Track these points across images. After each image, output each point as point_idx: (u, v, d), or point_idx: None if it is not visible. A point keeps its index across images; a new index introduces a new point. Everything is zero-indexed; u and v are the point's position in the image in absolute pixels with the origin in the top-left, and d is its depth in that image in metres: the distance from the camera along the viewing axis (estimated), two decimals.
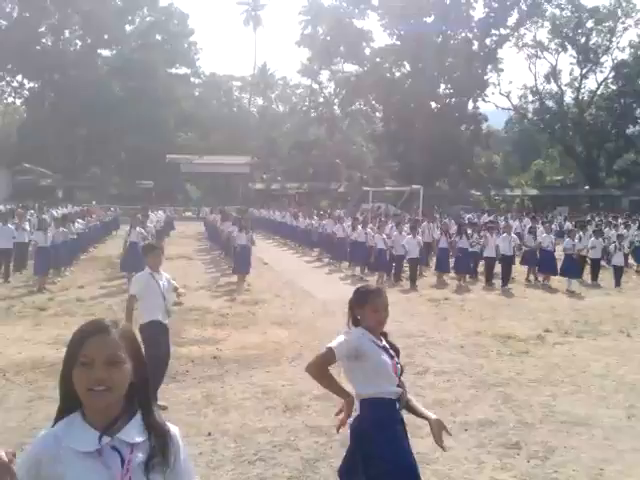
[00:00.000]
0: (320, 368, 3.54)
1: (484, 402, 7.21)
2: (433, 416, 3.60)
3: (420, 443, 5.29)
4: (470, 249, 17.33)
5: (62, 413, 1.94)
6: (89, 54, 61.53)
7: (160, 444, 1.97)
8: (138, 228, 16.46)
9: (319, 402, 7.04)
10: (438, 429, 3.51)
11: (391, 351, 3.65)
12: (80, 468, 1.85)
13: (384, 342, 3.66)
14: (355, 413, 3.66)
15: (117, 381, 1.88)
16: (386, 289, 3.99)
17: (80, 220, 20.70)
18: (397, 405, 3.60)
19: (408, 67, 57.09)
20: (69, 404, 1.93)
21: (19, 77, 62.92)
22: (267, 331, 10.72)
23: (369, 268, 17.90)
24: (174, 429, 2.06)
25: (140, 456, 1.92)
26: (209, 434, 6.09)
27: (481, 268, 18.07)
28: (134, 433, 1.93)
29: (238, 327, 11.07)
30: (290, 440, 5.98)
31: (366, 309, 3.61)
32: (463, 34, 56.29)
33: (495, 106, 61.16)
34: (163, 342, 6.77)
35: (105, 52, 64.36)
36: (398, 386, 3.61)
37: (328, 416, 6.58)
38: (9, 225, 16.71)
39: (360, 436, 3.58)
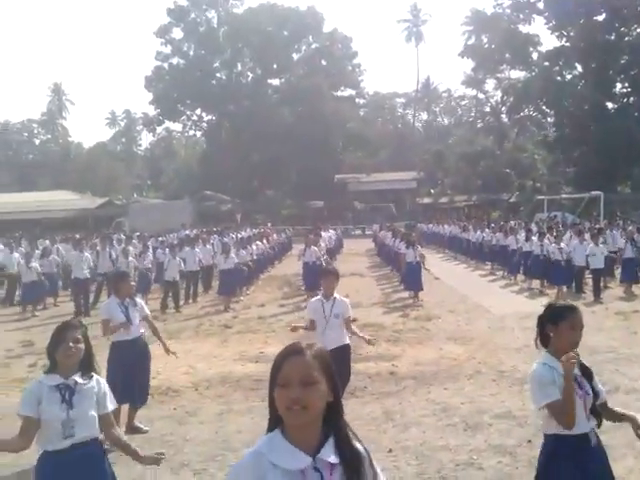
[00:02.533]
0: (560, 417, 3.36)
1: None
2: (632, 414, 3.47)
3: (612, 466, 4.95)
4: None
5: (271, 428, 2.05)
6: (260, 84, 65.18)
7: (353, 467, 2.01)
8: (312, 247, 17.00)
9: (501, 421, 6.83)
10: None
11: (581, 378, 3.43)
12: None
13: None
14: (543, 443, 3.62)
15: (312, 400, 1.96)
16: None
17: (259, 242, 21.78)
18: (589, 439, 3.40)
19: (580, 68, 54.14)
20: (275, 421, 2.04)
21: (198, 111, 68.16)
22: (442, 347, 10.59)
23: (548, 281, 17.08)
24: (364, 451, 2.10)
25: (338, 478, 1.98)
26: (390, 450, 6.12)
27: None
28: (332, 453, 2.00)
29: (412, 343, 11.05)
30: (473, 459, 5.85)
31: (561, 327, 3.39)
32: (639, 29, 52.44)
33: None
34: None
35: (274, 81, 67.84)
36: (592, 414, 3.41)
37: (512, 436, 6.37)
38: (196, 249, 18.00)
39: (540, 467, 3.54)
